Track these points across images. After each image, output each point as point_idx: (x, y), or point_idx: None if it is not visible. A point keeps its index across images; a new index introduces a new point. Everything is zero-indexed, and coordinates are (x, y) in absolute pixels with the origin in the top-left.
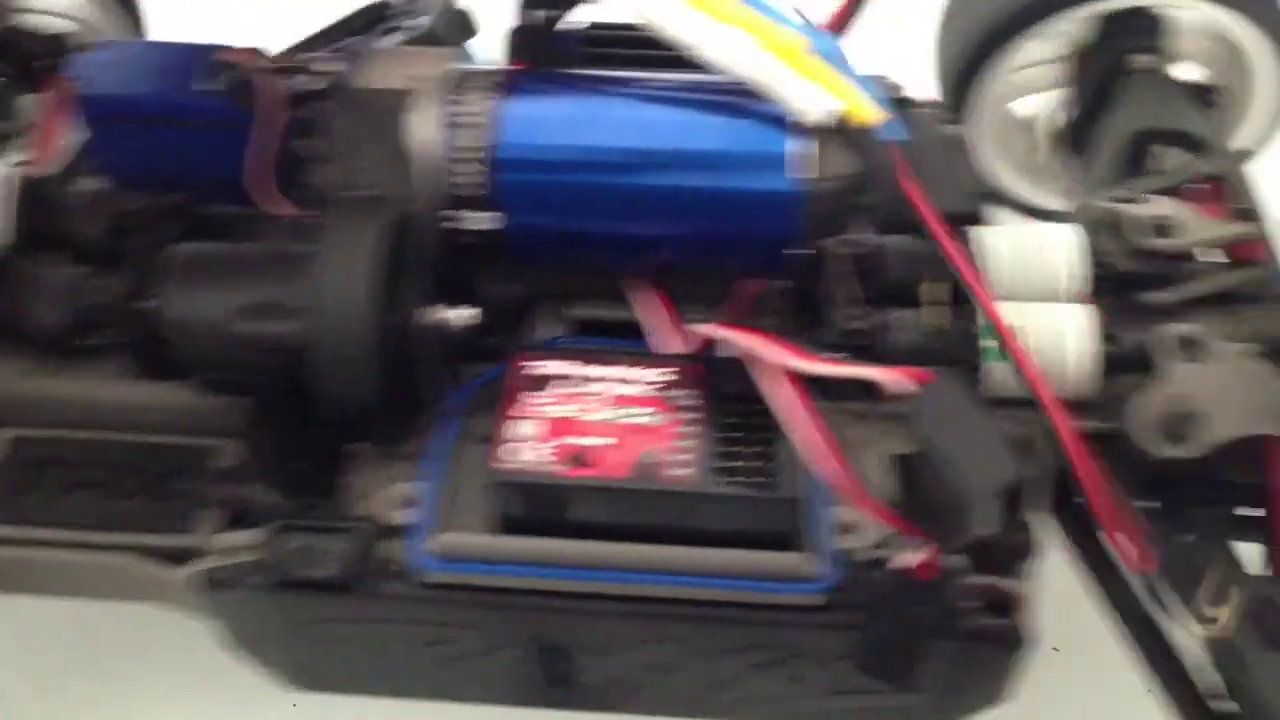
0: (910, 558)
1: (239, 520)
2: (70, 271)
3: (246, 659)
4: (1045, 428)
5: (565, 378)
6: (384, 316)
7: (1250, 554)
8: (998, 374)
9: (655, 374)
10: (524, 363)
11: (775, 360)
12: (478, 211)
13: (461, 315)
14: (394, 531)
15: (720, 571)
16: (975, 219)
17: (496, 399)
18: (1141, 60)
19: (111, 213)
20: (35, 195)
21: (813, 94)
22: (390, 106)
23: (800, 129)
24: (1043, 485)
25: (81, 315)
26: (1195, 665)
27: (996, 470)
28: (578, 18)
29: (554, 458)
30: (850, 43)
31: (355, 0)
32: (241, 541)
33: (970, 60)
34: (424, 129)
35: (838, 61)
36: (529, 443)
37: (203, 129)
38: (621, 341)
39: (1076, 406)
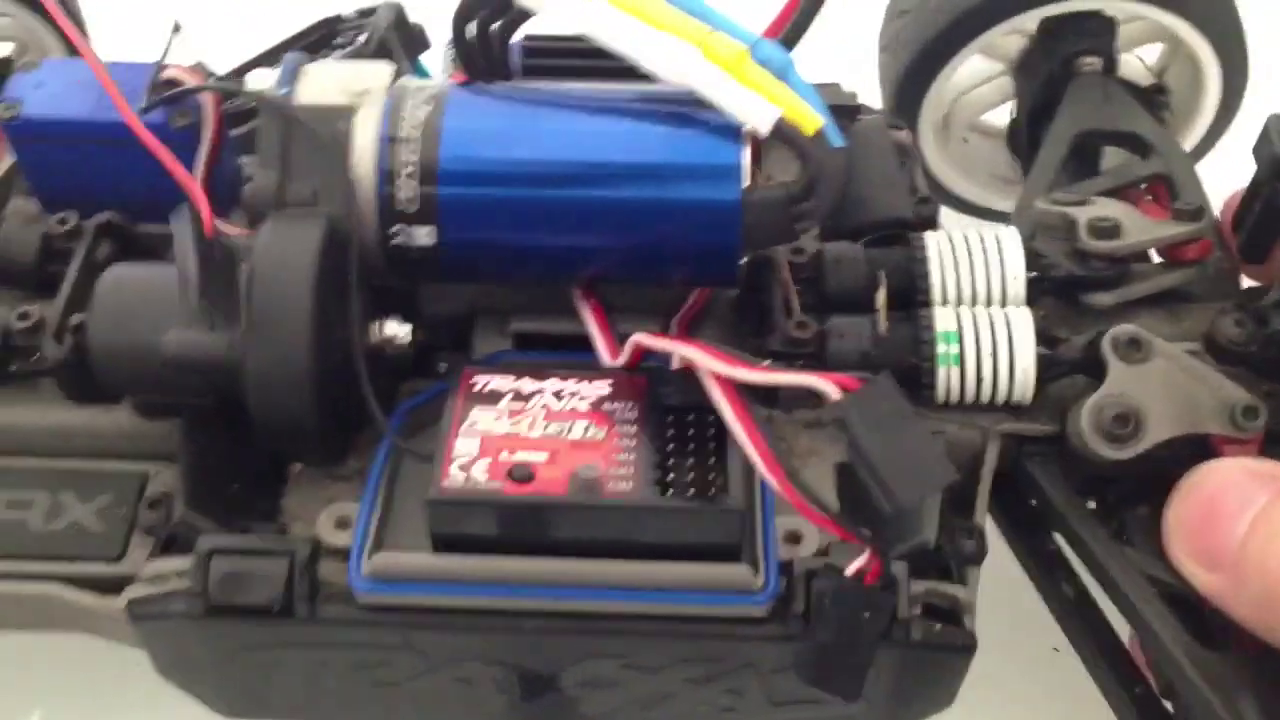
0: (852, 565)
1: (170, 546)
2: None
3: (179, 686)
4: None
5: (506, 393)
6: (321, 334)
7: None
8: (943, 379)
9: (596, 388)
10: (465, 379)
11: (709, 368)
12: (419, 226)
13: (401, 331)
14: (332, 553)
15: (660, 585)
16: (921, 224)
17: (437, 416)
18: (1088, 63)
19: (41, 235)
20: None
21: (754, 103)
22: (329, 122)
23: (743, 138)
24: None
25: (10, 339)
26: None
27: (929, 475)
28: (519, 31)
29: (494, 475)
30: (807, 50)
31: (309, 13)
32: (172, 568)
33: (915, 72)
34: (363, 144)
35: (782, 69)
36: (469, 460)
37: (138, 149)
38: (568, 354)
39: (1016, 409)
